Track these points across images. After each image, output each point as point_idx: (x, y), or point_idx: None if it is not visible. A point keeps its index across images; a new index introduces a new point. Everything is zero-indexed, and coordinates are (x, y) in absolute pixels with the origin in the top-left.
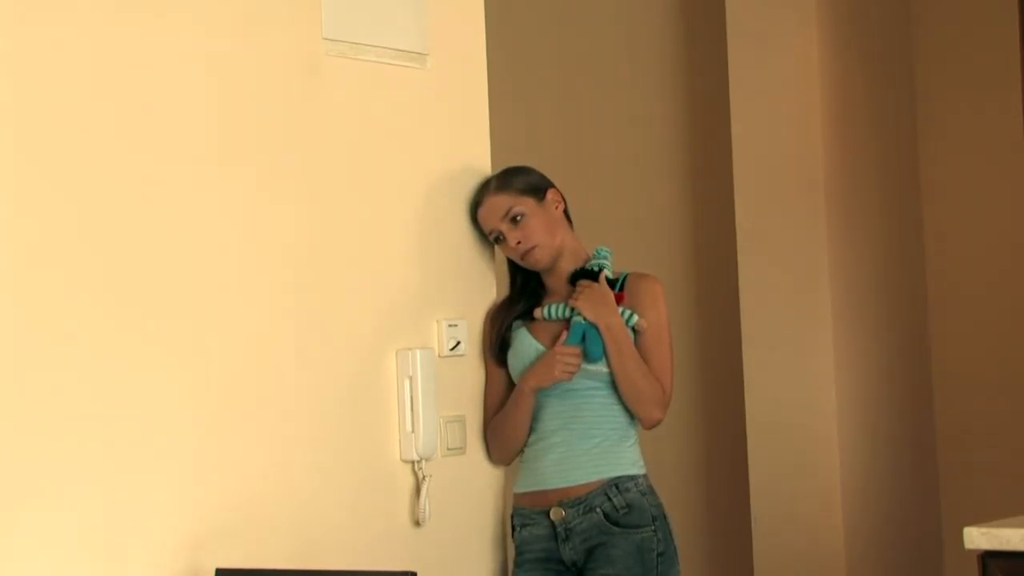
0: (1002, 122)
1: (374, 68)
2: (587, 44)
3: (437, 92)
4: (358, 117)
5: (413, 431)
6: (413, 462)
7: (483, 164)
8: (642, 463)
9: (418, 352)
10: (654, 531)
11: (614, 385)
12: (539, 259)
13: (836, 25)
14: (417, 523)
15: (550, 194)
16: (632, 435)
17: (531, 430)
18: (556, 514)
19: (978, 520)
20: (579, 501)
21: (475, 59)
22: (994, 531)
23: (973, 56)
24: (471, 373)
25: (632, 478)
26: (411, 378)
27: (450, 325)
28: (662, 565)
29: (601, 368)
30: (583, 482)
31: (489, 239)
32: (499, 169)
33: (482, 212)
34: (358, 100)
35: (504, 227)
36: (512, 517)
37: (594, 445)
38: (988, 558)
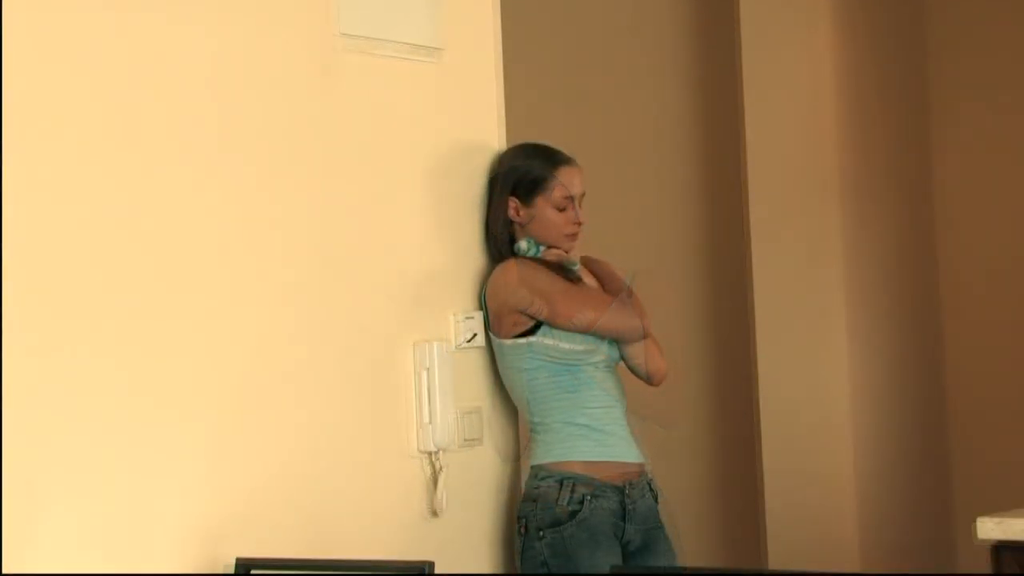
0: (1013, 115)
1: (389, 63)
2: (600, 38)
3: (452, 87)
4: (373, 112)
5: (430, 422)
6: (430, 453)
7: None
8: None
9: (435, 344)
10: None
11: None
12: (576, 243)
13: (849, 16)
14: (434, 513)
15: None
16: None
17: (598, 395)
18: (629, 490)
19: (991, 511)
20: (642, 481)
21: (490, 54)
22: (1008, 521)
23: (985, 51)
24: (487, 365)
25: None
26: (428, 370)
27: (466, 318)
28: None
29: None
30: (643, 461)
31: (555, 193)
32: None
33: (572, 172)
34: (373, 95)
35: (579, 199)
36: (573, 485)
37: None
38: (1001, 549)
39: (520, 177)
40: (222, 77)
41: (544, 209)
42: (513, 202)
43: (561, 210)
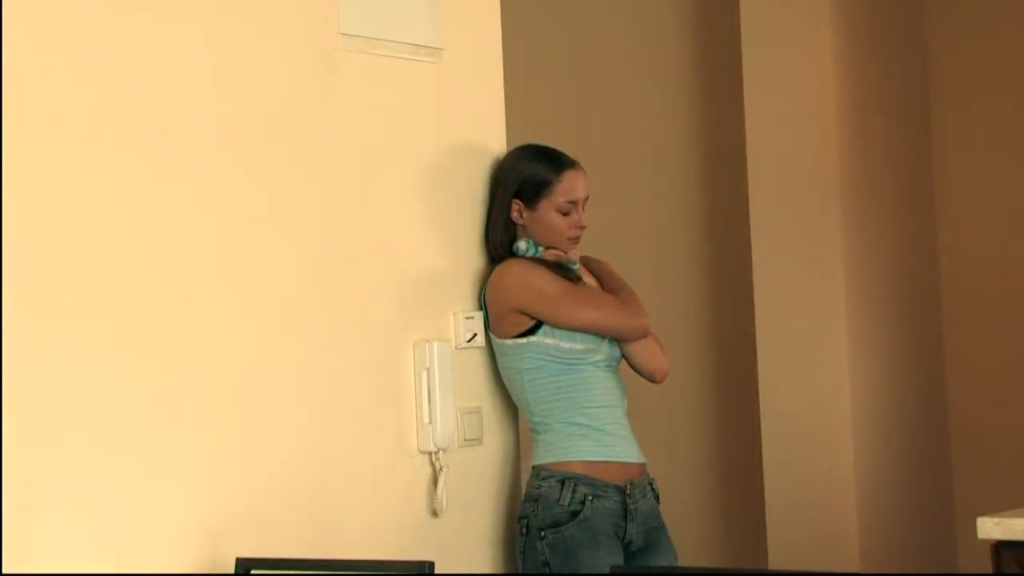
0: (1014, 115)
1: (390, 63)
2: (601, 38)
3: (453, 87)
4: (374, 112)
5: (431, 422)
6: (430, 453)
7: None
8: None
9: (435, 344)
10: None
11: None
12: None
13: (849, 16)
14: (434, 513)
15: None
16: None
17: (599, 395)
18: (630, 490)
19: (991, 511)
20: (643, 480)
21: (491, 54)
22: (1008, 521)
23: (986, 51)
24: (487, 365)
25: None
26: (428, 370)
27: (467, 317)
28: None
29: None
30: (645, 461)
31: (559, 198)
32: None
33: (576, 175)
34: (374, 95)
35: (583, 203)
36: (575, 485)
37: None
38: (1002, 548)
39: (525, 180)
40: (223, 77)
41: (547, 212)
42: (516, 204)
43: (565, 214)
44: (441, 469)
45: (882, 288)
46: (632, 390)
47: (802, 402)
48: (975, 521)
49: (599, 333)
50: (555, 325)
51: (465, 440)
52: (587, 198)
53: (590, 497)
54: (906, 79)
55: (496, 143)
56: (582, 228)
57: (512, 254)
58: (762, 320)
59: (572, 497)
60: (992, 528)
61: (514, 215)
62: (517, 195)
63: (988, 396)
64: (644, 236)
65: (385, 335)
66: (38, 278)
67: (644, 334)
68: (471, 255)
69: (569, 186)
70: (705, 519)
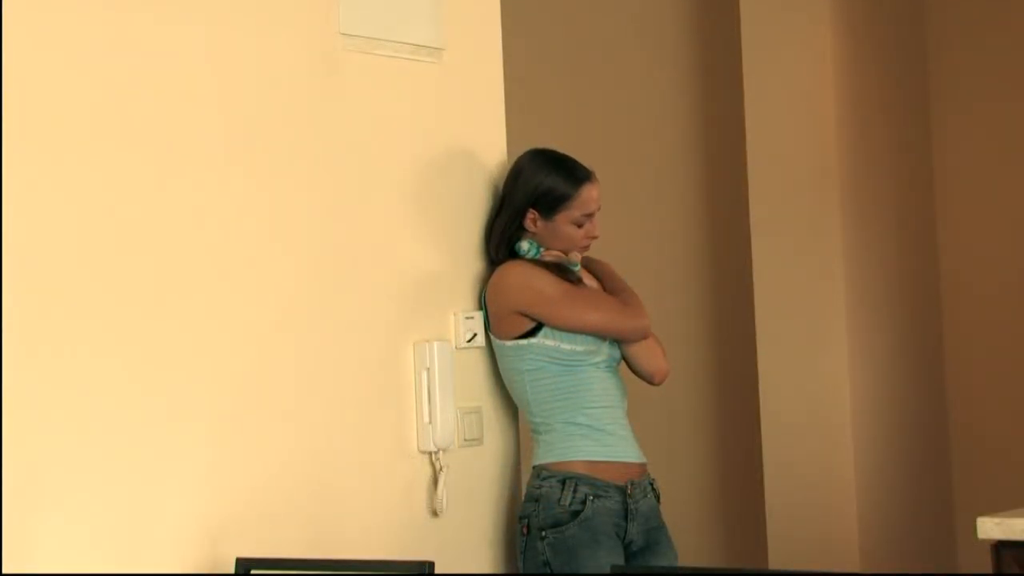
0: (1014, 115)
1: (390, 63)
2: (602, 39)
3: (453, 87)
4: (374, 112)
5: (431, 422)
6: (431, 453)
7: (499, 159)
8: None
9: (435, 344)
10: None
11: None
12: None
13: (849, 16)
14: (434, 513)
15: None
16: None
17: (599, 395)
18: (631, 489)
19: (991, 510)
20: (644, 480)
21: (491, 54)
22: (1008, 521)
23: (986, 50)
24: (487, 365)
25: None
26: (428, 370)
27: (467, 317)
28: None
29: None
30: (645, 461)
31: (576, 212)
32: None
33: (593, 188)
34: (375, 95)
35: (595, 214)
36: (575, 485)
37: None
38: (1002, 548)
39: (544, 192)
40: (223, 78)
41: (563, 224)
42: (532, 214)
43: (579, 226)
44: (441, 469)
45: (882, 288)
46: (632, 391)
47: (802, 402)
48: (975, 521)
49: (600, 334)
50: (555, 327)
51: (465, 440)
52: (599, 208)
53: (591, 497)
54: (906, 79)
55: (496, 143)
56: (594, 238)
57: (512, 254)
58: (762, 320)
59: (573, 497)
60: (992, 528)
61: (528, 223)
62: (534, 205)
63: (988, 396)
64: (644, 237)
65: (385, 335)
66: (38, 280)
67: (645, 335)
68: (471, 255)
69: (586, 199)
70: (705, 519)
